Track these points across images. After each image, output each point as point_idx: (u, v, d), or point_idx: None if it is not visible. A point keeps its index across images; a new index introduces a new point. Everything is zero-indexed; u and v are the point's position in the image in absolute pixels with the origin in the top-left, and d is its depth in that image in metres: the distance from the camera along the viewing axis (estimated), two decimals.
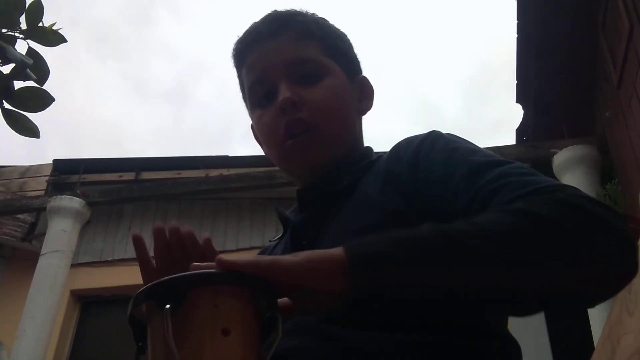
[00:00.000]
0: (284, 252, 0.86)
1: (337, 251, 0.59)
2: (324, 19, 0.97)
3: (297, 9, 0.95)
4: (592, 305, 0.66)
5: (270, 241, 0.99)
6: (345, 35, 0.98)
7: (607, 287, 0.64)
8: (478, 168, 0.72)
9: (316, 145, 0.87)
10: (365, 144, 0.97)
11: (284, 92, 0.86)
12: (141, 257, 0.80)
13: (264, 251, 0.98)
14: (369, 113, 0.98)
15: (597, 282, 0.62)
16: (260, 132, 0.94)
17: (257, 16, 0.95)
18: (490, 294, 0.62)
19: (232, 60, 0.97)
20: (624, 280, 0.63)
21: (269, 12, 0.95)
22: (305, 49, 0.90)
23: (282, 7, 0.96)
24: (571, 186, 0.67)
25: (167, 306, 0.53)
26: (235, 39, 0.96)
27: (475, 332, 0.69)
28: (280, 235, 0.95)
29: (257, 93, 0.92)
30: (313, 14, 0.96)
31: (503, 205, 0.65)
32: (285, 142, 0.87)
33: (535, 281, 0.60)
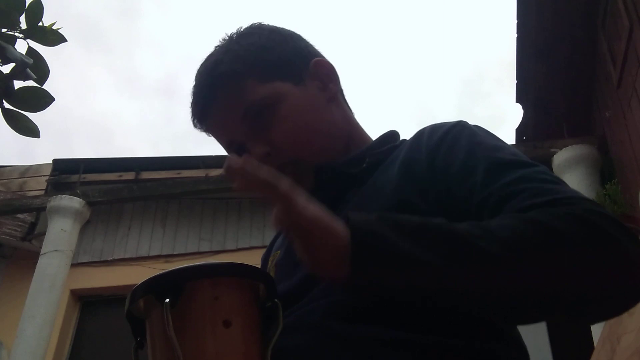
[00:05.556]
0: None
1: (344, 233, 0.59)
2: (244, 36, 0.89)
3: (220, 41, 0.90)
4: (593, 323, 0.67)
5: None
6: (272, 40, 0.89)
7: (610, 308, 0.65)
8: (500, 166, 0.71)
9: (309, 170, 0.85)
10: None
11: (253, 151, 0.84)
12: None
13: (276, 237, 0.98)
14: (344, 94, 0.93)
15: (601, 301, 0.62)
16: None
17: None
18: (489, 301, 0.62)
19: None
20: (629, 303, 0.64)
21: (196, 73, 0.89)
22: (244, 96, 0.84)
23: (207, 49, 0.89)
24: (591, 200, 0.66)
25: (167, 300, 0.52)
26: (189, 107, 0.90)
27: (482, 334, 0.68)
28: None
29: (235, 151, 0.88)
30: (230, 41, 0.89)
31: (517, 213, 0.64)
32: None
33: (537, 293, 0.61)
